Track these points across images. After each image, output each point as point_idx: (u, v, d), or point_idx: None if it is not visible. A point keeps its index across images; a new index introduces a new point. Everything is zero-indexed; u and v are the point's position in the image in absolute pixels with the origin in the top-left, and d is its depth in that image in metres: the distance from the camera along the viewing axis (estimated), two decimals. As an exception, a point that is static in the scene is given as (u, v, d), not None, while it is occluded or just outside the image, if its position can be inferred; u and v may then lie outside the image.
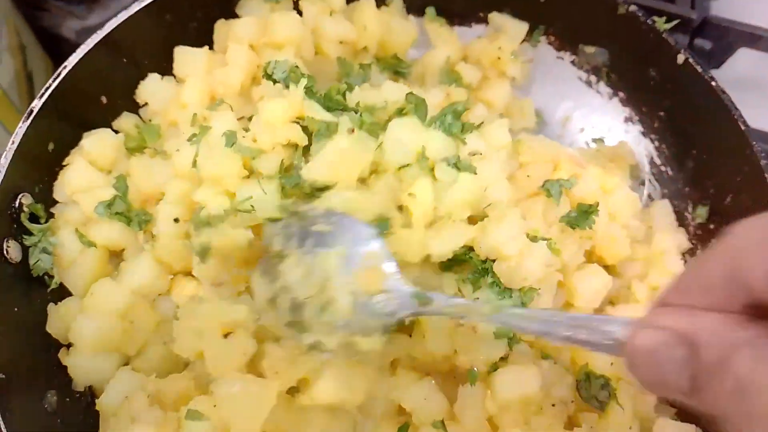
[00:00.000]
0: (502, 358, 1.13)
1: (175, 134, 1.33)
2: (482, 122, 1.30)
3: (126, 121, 1.40)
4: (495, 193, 1.21)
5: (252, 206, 1.15)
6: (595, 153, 1.51)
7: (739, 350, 0.54)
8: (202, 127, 1.23)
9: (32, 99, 1.24)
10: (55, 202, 1.29)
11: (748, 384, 0.52)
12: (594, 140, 1.56)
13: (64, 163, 1.30)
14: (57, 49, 1.78)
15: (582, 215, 1.24)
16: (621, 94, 1.54)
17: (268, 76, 1.29)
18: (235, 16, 1.45)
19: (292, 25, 1.39)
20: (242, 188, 1.18)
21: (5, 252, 1.17)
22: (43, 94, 1.24)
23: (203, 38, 1.44)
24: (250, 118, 1.29)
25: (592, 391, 1.12)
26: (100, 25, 1.32)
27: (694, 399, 0.58)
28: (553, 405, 1.12)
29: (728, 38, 1.59)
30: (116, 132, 1.37)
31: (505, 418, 1.10)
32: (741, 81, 1.83)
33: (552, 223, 1.24)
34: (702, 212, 1.39)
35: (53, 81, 1.26)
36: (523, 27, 1.54)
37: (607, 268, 1.34)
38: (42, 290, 1.24)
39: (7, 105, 1.54)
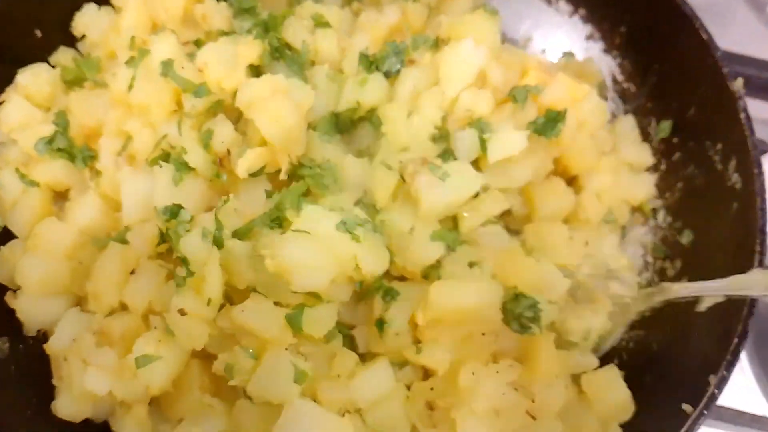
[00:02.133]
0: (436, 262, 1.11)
1: (115, 65, 1.25)
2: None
3: (63, 55, 1.33)
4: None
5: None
6: (563, 67, 1.45)
7: None
8: (141, 50, 1.17)
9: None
10: (-8, 142, 1.23)
11: None
12: (564, 54, 1.51)
13: (-1, 101, 1.23)
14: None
15: (549, 123, 1.21)
16: (581, 11, 1.50)
17: None
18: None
19: None
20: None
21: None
22: (-31, 27, 1.17)
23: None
24: (195, 42, 1.24)
25: (518, 310, 1.10)
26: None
27: None
28: (483, 334, 1.10)
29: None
30: (53, 67, 1.30)
31: (431, 334, 1.08)
32: (699, 5, 1.81)
33: (519, 129, 1.20)
34: (665, 126, 1.37)
35: (-19, 14, 1.18)
36: (478, -59, 1.48)
37: (572, 179, 1.34)
38: (-17, 235, 1.18)
39: None
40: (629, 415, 1.14)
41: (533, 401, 1.06)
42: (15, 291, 1.15)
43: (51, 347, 1.11)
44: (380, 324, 1.06)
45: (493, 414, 1.03)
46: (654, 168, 1.38)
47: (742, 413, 1.31)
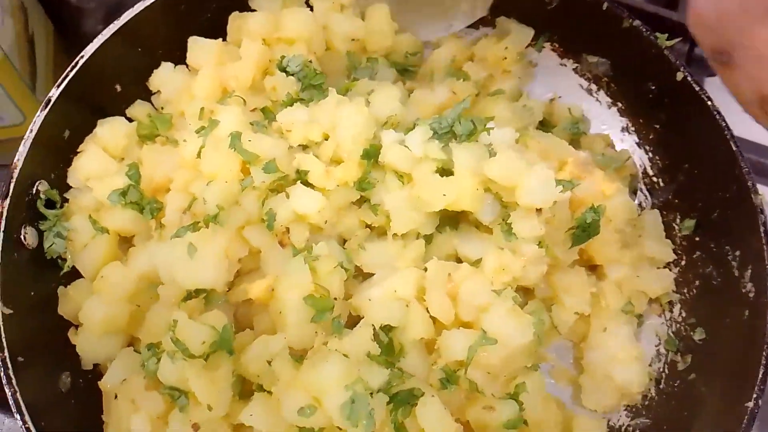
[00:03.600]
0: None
1: (184, 127, 1.37)
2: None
3: (139, 109, 1.44)
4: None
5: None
6: (599, 158, 1.53)
7: None
8: (211, 121, 1.28)
9: (33, 63, 1.29)
10: (69, 188, 1.35)
11: None
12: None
13: (78, 150, 1.35)
14: (58, 11, 1.77)
15: (585, 233, 1.30)
16: (620, 104, 1.58)
17: (282, 69, 1.36)
18: (248, 8, 1.48)
19: (303, 21, 1.44)
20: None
21: (23, 237, 1.23)
22: (60, 83, 1.29)
23: (216, 30, 1.48)
24: (262, 110, 1.35)
25: None
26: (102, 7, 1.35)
27: None
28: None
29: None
30: (130, 120, 1.42)
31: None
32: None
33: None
34: (689, 224, 1.44)
35: (71, 70, 1.31)
36: (528, 32, 1.57)
37: (594, 267, 1.42)
38: (55, 274, 1.30)
39: (8, 69, 1.53)
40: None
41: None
42: (77, 327, 1.28)
43: (104, 384, 1.23)
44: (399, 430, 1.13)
45: None
46: (675, 263, 1.46)
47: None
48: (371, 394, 1.09)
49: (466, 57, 1.61)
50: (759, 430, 1.52)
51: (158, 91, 1.45)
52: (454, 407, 1.21)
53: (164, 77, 1.44)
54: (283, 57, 1.37)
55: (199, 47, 1.44)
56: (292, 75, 1.37)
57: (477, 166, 1.22)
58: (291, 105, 1.34)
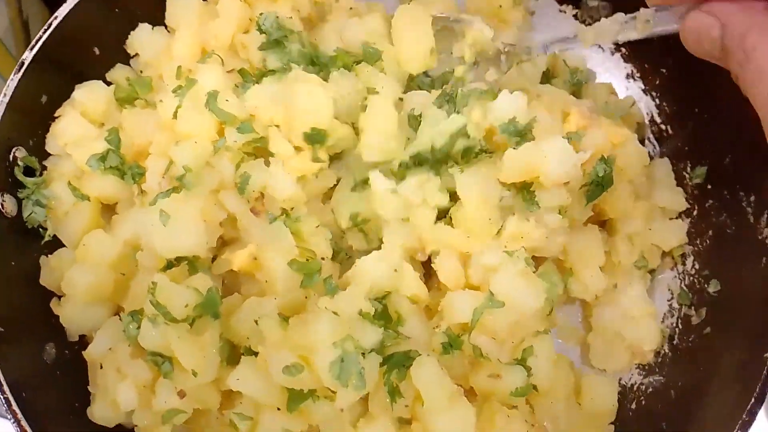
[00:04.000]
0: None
1: (163, 89, 1.31)
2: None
3: (119, 72, 1.39)
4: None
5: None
6: (603, 106, 1.46)
7: (751, 30, 0.82)
8: (188, 80, 1.22)
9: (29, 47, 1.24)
10: (48, 155, 1.30)
11: (751, 51, 0.82)
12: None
13: (55, 115, 1.30)
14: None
15: (599, 187, 1.23)
16: (623, 49, 1.50)
17: (260, 29, 1.28)
18: (229, -33, 1.42)
19: None
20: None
21: (1, 206, 1.19)
22: (33, 45, 1.24)
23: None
24: (239, 71, 1.28)
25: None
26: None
27: (724, 62, 0.90)
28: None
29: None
30: (109, 84, 1.37)
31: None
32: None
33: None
34: (700, 172, 1.37)
35: (44, 32, 1.25)
36: (523, -25, 1.49)
37: (603, 223, 1.35)
38: (36, 243, 1.26)
39: (3, 53, 1.53)
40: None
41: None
42: (60, 298, 1.23)
43: (89, 354, 1.19)
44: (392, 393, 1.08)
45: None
46: (686, 213, 1.38)
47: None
48: (363, 354, 1.03)
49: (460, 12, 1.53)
50: None
51: (137, 54, 1.40)
52: (456, 373, 1.15)
53: (142, 39, 1.38)
54: (261, 14, 1.29)
55: (178, 6, 1.37)
56: (265, 33, 1.29)
57: (485, 193, 1.16)
58: (261, 80, 1.25)
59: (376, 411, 1.09)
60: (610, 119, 1.36)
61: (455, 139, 1.17)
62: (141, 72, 1.39)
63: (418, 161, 1.19)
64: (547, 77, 1.47)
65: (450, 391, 1.07)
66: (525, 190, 1.18)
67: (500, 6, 1.47)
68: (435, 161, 1.19)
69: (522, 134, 1.18)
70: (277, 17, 1.26)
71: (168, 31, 1.40)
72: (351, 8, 1.44)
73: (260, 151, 1.21)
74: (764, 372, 1.07)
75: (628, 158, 1.32)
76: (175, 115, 1.20)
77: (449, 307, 1.14)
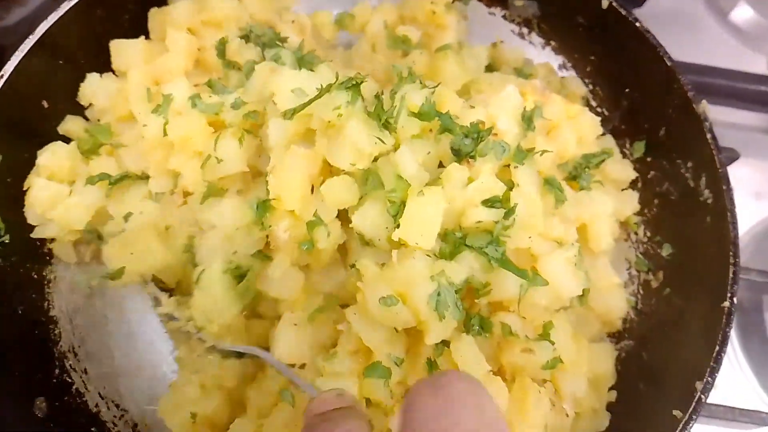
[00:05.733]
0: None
1: (127, 128, 1.34)
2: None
3: (72, 124, 1.39)
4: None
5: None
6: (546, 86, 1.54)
7: None
8: (165, 97, 1.26)
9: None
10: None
11: None
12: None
13: (24, 188, 1.29)
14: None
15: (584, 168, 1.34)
16: (553, 42, 1.60)
17: (222, 54, 1.39)
18: (165, 3, 1.45)
19: (226, 2, 1.42)
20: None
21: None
22: (-17, 105, 1.23)
23: (138, 29, 1.44)
24: (207, 83, 1.34)
25: None
26: (22, 24, 1.30)
27: None
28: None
29: (648, -24, 1.66)
30: (64, 137, 1.37)
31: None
32: (663, 16, 1.92)
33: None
34: (639, 147, 1.47)
35: (-8, 90, 1.25)
36: (448, -20, 1.57)
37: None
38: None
39: None
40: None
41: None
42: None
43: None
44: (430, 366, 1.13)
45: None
46: (632, 186, 1.48)
47: (732, 409, 1.40)
48: (456, 290, 1.08)
49: (397, 21, 1.60)
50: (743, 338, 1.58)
51: (90, 105, 1.40)
52: (486, 355, 1.17)
53: (93, 88, 1.39)
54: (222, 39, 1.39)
55: (123, 50, 1.40)
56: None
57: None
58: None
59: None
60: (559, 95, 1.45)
61: None
62: (98, 120, 1.39)
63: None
64: (492, 70, 1.55)
65: (485, 368, 1.12)
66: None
67: (434, 12, 1.54)
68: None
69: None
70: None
71: (117, 76, 1.41)
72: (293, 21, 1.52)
73: (256, 128, 1.25)
74: (723, 320, 1.16)
75: (584, 128, 1.42)
76: (165, 131, 1.23)
77: (498, 284, 1.16)
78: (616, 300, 1.37)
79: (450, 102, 1.24)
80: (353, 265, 1.15)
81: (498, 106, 1.28)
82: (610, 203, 1.36)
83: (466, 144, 1.19)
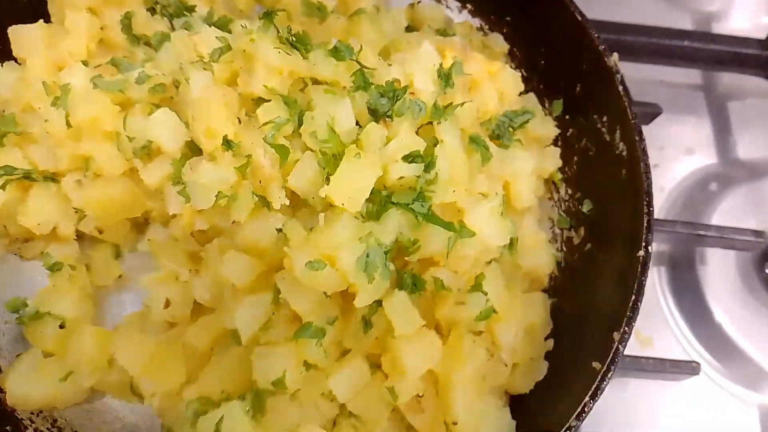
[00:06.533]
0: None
1: (34, 117, 1.28)
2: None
3: (-25, 115, 1.34)
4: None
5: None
6: (469, 44, 1.53)
7: None
8: (63, 86, 1.22)
9: None
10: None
11: None
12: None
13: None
14: None
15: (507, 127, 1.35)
16: (469, 6, 1.59)
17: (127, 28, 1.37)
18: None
19: None
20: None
21: None
22: None
23: (39, 13, 1.39)
24: (111, 60, 1.30)
25: None
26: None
27: None
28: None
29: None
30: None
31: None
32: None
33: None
34: (557, 105, 1.47)
35: None
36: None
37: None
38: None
39: None
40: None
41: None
42: None
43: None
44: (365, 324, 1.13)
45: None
46: (554, 144, 1.47)
47: (662, 361, 1.41)
48: (385, 252, 1.07)
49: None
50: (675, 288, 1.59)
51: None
52: (421, 312, 1.16)
53: (-6, 78, 1.33)
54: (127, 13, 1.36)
55: (21, 36, 1.34)
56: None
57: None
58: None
59: (350, 343, 1.15)
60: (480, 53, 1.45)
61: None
62: (3, 111, 1.34)
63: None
64: (412, 30, 1.54)
65: (418, 322, 1.12)
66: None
67: None
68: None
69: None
70: None
71: (18, 63, 1.37)
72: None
73: (166, 101, 1.24)
74: (638, 269, 1.16)
75: (506, 85, 1.42)
76: (68, 123, 1.20)
77: (427, 240, 1.15)
78: (543, 256, 1.37)
79: (364, 59, 1.23)
80: (280, 229, 1.13)
81: (414, 64, 1.27)
82: (531, 161, 1.36)
83: (383, 104, 1.19)
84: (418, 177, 1.13)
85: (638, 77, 1.51)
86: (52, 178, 1.27)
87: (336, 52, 1.20)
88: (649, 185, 1.23)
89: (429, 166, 1.14)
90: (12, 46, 1.35)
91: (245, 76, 1.18)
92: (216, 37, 1.21)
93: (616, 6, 1.81)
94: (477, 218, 1.17)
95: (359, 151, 1.10)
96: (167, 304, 1.23)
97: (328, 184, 1.08)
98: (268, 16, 1.18)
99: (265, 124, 1.14)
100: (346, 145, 1.12)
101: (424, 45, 1.30)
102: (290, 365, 1.09)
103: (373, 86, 1.19)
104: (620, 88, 1.30)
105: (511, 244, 1.25)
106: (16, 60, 1.37)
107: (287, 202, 1.14)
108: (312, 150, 1.14)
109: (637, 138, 1.26)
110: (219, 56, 1.20)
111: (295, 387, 1.11)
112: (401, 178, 1.13)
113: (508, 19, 1.53)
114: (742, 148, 1.79)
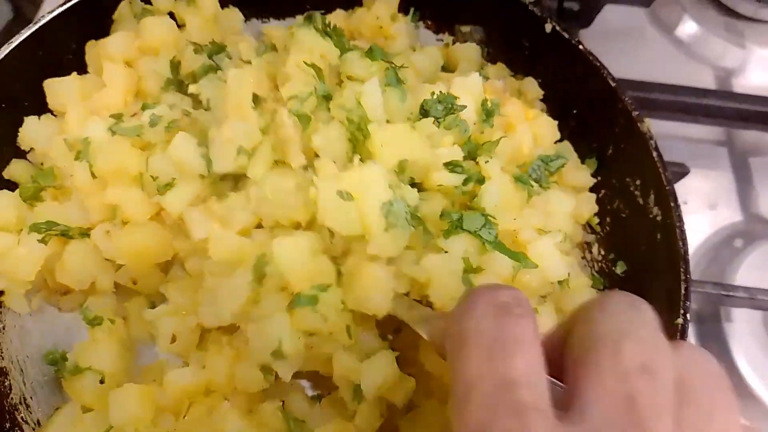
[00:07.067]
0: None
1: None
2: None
3: (17, 167, 1.34)
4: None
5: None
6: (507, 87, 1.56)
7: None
8: (84, 140, 1.24)
9: None
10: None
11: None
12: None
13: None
14: None
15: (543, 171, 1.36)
16: (499, 64, 1.61)
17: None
18: (107, 35, 1.42)
19: (163, 27, 1.40)
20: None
21: None
22: None
23: (83, 68, 1.42)
24: (142, 107, 1.31)
25: None
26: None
27: None
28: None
29: (594, -3, 1.69)
30: (9, 183, 1.34)
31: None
32: (610, 34, 1.96)
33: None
34: (591, 164, 1.48)
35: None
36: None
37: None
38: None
39: None
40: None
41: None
42: None
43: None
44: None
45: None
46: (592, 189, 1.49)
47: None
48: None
49: (347, 36, 1.58)
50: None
51: (32, 149, 1.37)
52: None
53: (32, 132, 1.35)
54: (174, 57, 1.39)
55: (56, 88, 1.36)
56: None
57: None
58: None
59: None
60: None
61: None
62: (42, 164, 1.36)
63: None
64: (448, 70, 1.56)
65: None
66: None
67: (381, 27, 1.55)
68: None
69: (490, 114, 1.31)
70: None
71: (55, 116, 1.38)
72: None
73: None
74: (678, 337, 1.17)
75: (542, 130, 1.43)
76: (93, 174, 1.21)
77: (492, 264, 1.15)
78: (586, 299, 1.36)
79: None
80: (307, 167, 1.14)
81: (461, 88, 1.29)
82: (572, 200, 1.37)
83: (438, 109, 1.22)
84: (456, 187, 1.17)
85: (660, 132, 1.53)
86: (87, 233, 1.28)
87: (370, 53, 1.24)
88: (686, 252, 1.24)
89: (468, 180, 1.18)
90: (48, 99, 1.37)
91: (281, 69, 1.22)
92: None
93: (641, 64, 1.84)
94: (540, 251, 1.20)
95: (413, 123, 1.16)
96: (173, 339, 1.23)
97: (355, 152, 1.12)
98: (309, 17, 1.27)
99: (290, 99, 1.17)
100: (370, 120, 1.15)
101: (473, 74, 1.32)
102: (285, 334, 1.07)
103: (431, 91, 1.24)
104: (654, 154, 1.32)
105: (562, 282, 1.27)
106: (52, 112, 1.39)
107: (304, 162, 1.15)
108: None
109: (672, 204, 1.28)
110: (264, 52, 1.31)
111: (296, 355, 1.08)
112: (440, 186, 1.17)
113: (539, 81, 1.56)
114: (765, 204, 1.81)
